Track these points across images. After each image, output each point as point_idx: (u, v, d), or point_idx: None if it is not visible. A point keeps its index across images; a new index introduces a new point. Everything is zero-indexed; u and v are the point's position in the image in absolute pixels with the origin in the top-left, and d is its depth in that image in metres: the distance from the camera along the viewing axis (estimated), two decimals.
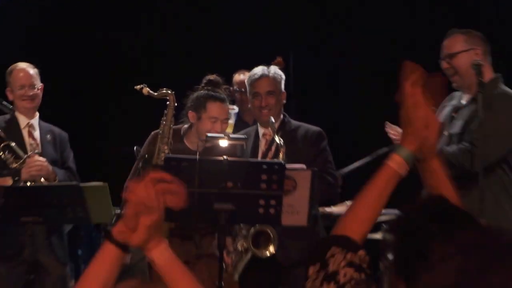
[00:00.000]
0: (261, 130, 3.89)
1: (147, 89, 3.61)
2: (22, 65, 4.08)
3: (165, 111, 3.68)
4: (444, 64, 3.46)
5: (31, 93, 3.99)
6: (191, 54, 5.54)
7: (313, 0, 5.86)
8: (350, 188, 3.78)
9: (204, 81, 3.67)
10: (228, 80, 4.29)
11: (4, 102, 3.76)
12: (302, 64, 4.94)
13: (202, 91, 3.65)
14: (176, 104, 3.70)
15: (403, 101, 1.61)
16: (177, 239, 3.73)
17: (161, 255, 1.50)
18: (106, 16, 5.86)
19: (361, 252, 1.47)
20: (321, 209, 4.04)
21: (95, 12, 5.86)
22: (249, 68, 4.16)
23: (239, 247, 3.81)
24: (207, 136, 3.51)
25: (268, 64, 4.00)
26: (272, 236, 3.68)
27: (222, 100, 3.62)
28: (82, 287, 1.53)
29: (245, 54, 5.25)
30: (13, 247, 3.81)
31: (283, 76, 3.93)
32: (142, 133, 3.92)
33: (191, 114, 3.64)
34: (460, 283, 0.97)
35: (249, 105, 3.95)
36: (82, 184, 3.70)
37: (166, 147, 3.68)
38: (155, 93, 3.62)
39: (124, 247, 1.50)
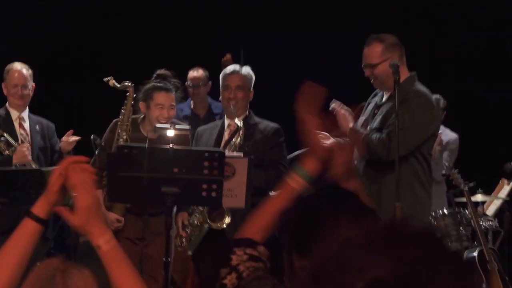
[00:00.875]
0: (226, 122, 4.07)
1: (113, 81, 3.91)
2: (18, 65, 4.36)
3: (125, 101, 4.00)
4: (366, 72, 3.61)
5: (22, 93, 4.30)
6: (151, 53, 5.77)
7: None
8: None
9: (154, 75, 3.96)
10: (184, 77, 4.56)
11: None
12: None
13: (149, 84, 3.92)
14: (135, 96, 4.02)
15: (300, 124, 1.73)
16: (132, 217, 3.97)
17: (107, 243, 1.56)
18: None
19: (260, 248, 1.57)
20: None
21: None
22: (202, 65, 4.43)
23: (196, 221, 3.96)
24: (155, 126, 3.74)
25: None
26: (226, 208, 3.85)
27: (166, 90, 3.89)
28: (1, 258, 1.64)
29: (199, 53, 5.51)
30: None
31: (253, 77, 4.08)
32: (103, 124, 4.16)
33: (141, 105, 3.93)
34: (344, 251, 0.92)
35: (219, 98, 4.12)
36: (44, 169, 3.78)
37: (124, 134, 3.95)
38: (119, 85, 3.92)
39: (42, 222, 1.63)
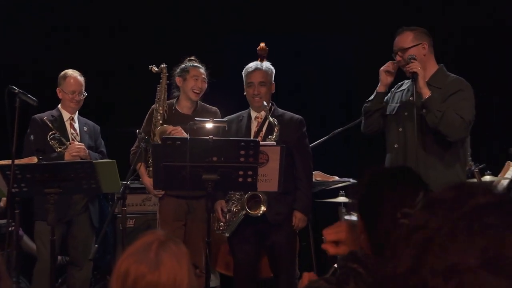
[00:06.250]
0: (253, 114, 4.16)
1: (154, 67, 4.18)
2: (74, 73, 4.50)
3: (158, 86, 4.23)
4: (397, 57, 3.67)
5: (78, 99, 4.46)
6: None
7: None
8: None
9: (186, 60, 4.27)
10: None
11: (29, 95, 4.04)
12: None
13: (183, 64, 4.23)
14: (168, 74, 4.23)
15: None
16: (175, 201, 4.14)
17: None
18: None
19: None
20: None
21: None
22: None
23: (233, 209, 4.08)
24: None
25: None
26: (262, 198, 3.96)
27: (200, 65, 4.23)
28: None
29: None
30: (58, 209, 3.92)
31: (274, 70, 4.19)
32: (141, 116, 4.33)
33: (178, 79, 4.23)
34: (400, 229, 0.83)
35: (244, 93, 4.18)
36: (94, 161, 3.90)
37: (159, 115, 4.16)
38: (157, 69, 4.19)
39: None
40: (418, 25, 3.78)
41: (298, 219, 4.04)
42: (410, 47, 3.66)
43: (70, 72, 4.50)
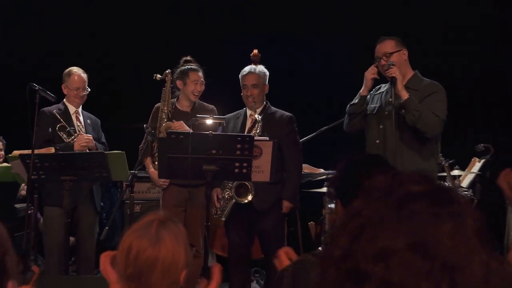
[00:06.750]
0: (248, 112, 4.46)
1: (158, 75, 4.45)
2: (79, 70, 4.70)
3: (163, 88, 4.51)
4: (382, 61, 3.94)
5: (82, 94, 4.66)
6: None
7: None
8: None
9: (182, 61, 4.54)
10: None
11: (47, 91, 4.31)
12: None
13: (183, 67, 4.50)
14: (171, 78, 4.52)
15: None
16: (177, 189, 4.43)
17: None
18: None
19: None
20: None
21: None
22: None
23: (226, 196, 4.37)
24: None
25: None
26: (250, 187, 4.24)
27: (198, 69, 4.50)
28: None
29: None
30: (58, 200, 4.24)
31: (267, 73, 4.43)
32: (146, 113, 4.62)
33: (178, 82, 4.51)
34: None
35: (241, 94, 4.45)
36: (106, 152, 4.19)
37: (164, 114, 4.43)
38: (161, 76, 4.45)
39: None
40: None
41: (285, 207, 4.34)
42: (394, 52, 3.94)
43: (75, 69, 4.67)
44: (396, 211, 0.80)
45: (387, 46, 3.99)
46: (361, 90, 4.08)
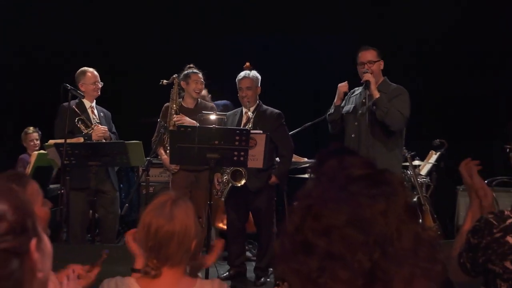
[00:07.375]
0: (244, 110, 4.93)
1: (164, 81, 5.01)
2: (89, 68, 5.18)
3: (171, 90, 5.11)
4: (366, 67, 4.38)
5: (100, 86, 5.09)
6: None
7: None
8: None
9: (186, 67, 5.16)
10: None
11: (78, 90, 4.92)
12: None
13: (186, 71, 5.12)
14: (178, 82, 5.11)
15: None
16: (185, 173, 5.01)
17: None
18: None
19: None
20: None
21: None
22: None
23: (224, 180, 4.81)
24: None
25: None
26: (243, 173, 4.67)
27: (198, 71, 5.10)
28: None
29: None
30: (84, 181, 4.79)
31: (259, 77, 4.91)
32: (157, 109, 5.20)
33: (182, 83, 5.12)
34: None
35: (238, 94, 4.93)
36: (126, 142, 4.64)
37: (173, 111, 5.00)
38: (168, 81, 5.00)
39: None
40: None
41: (272, 180, 4.83)
42: (376, 61, 4.45)
43: (86, 68, 5.11)
44: (338, 193, 0.88)
45: (372, 54, 4.46)
46: (335, 101, 4.64)
